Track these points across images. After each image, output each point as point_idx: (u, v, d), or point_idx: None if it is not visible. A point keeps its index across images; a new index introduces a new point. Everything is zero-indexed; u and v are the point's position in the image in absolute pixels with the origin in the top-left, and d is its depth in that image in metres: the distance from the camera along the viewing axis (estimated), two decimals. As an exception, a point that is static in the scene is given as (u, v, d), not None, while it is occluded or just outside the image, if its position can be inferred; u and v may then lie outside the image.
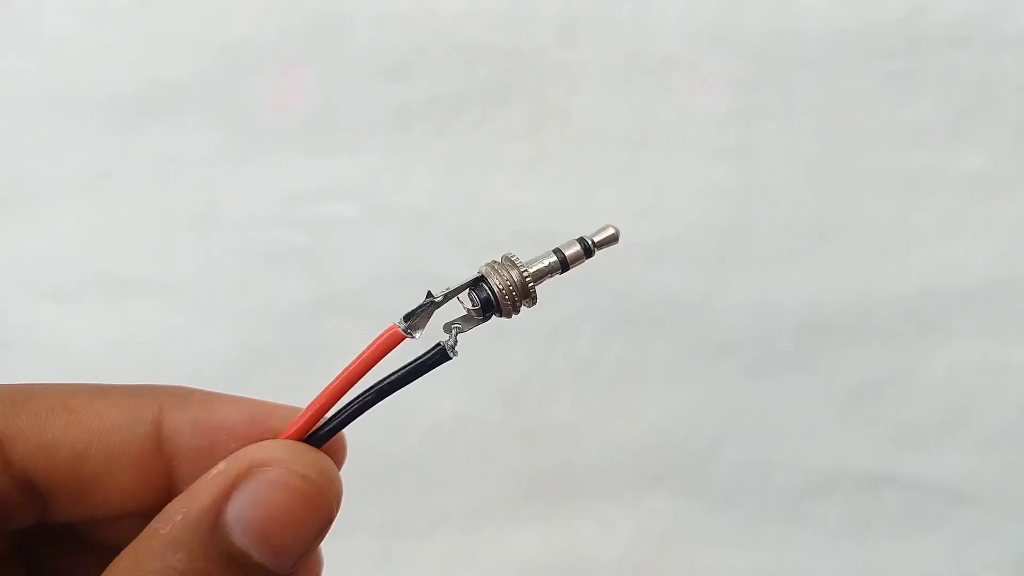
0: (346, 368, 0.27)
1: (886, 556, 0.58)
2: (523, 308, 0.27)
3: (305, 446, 0.26)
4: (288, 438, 0.26)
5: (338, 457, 0.28)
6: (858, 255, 0.57)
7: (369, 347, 0.27)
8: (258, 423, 0.27)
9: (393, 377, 0.27)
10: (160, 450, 0.27)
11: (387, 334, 0.27)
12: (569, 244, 0.27)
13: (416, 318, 0.27)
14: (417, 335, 0.27)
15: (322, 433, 0.27)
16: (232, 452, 0.26)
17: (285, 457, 0.25)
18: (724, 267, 0.57)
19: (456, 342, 0.27)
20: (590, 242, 0.27)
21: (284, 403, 0.28)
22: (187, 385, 0.29)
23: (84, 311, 0.58)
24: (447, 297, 0.27)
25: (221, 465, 0.25)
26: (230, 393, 0.28)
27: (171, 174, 0.58)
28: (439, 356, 0.27)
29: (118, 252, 0.58)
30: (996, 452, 0.57)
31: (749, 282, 0.57)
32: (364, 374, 0.27)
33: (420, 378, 0.27)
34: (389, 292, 0.58)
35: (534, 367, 0.57)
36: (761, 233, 0.57)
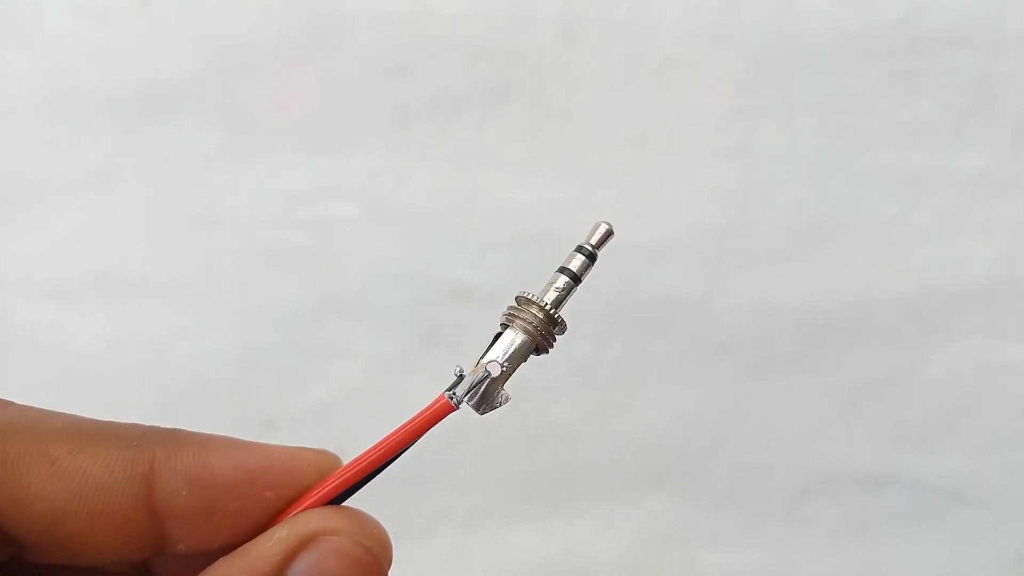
0: (392, 434, 0.26)
1: (886, 556, 0.58)
2: (559, 332, 0.27)
3: (366, 516, 0.26)
4: (322, 498, 0.26)
5: None
6: (858, 255, 0.57)
7: (418, 416, 0.26)
8: (258, 479, 0.26)
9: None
10: (150, 509, 0.25)
11: (437, 404, 0.26)
12: (571, 257, 0.27)
13: (474, 396, 0.26)
14: (473, 407, 0.26)
15: (342, 493, 0.26)
16: (231, 511, 0.25)
17: (349, 528, 0.25)
18: (724, 267, 0.57)
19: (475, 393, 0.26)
20: (589, 247, 0.27)
21: (277, 443, 0.27)
22: (182, 423, 0.27)
23: (84, 311, 0.58)
24: (502, 366, 0.26)
25: (282, 531, 0.25)
26: (221, 435, 0.26)
27: (171, 174, 0.58)
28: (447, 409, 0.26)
29: (118, 252, 0.58)
30: (996, 452, 0.57)
31: (749, 282, 0.57)
32: (410, 444, 0.26)
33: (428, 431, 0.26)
34: (389, 292, 0.58)
35: (534, 367, 0.57)
36: (761, 233, 0.57)
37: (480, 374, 0.26)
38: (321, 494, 0.26)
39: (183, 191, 0.58)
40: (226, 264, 0.58)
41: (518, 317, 0.26)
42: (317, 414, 0.58)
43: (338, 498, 0.26)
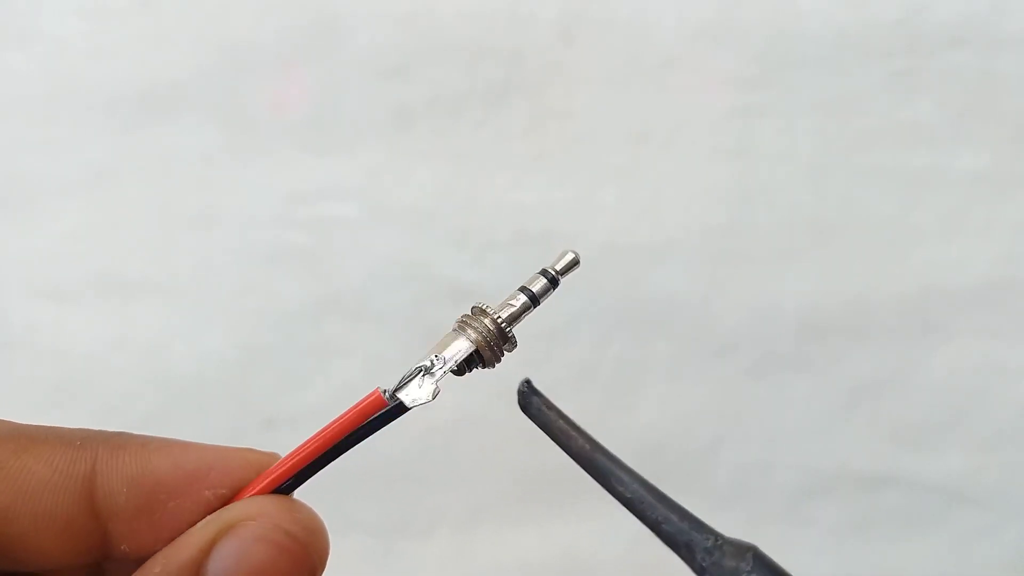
0: (325, 428, 0.26)
1: (886, 556, 0.58)
2: (505, 354, 0.27)
3: (293, 501, 0.26)
4: (260, 491, 0.26)
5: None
6: (858, 255, 0.57)
7: (351, 410, 0.26)
8: (198, 479, 0.26)
9: (352, 434, 0.26)
10: (92, 510, 0.25)
11: (370, 399, 0.26)
12: (533, 279, 0.27)
13: (405, 386, 0.26)
14: (405, 399, 0.26)
15: (284, 486, 0.26)
16: (169, 511, 0.25)
17: (270, 511, 0.25)
18: (724, 267, 0.57)
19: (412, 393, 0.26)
20: (553, 272, 0.27)
21: (217, 444, 0.27)
22: (127, 428, 0.27)
23: (84, 311, 0.58)
24: (444, 362, 0.26)
25: (208, 518, 0.25)
26: (164, 437, 0.27)
27: (171, 174, 0.58)
28: (396, 411, 0.26)
29: (118, 252, 0.58)
30: (996, 452, 0.57)
31: (749, 282, 0.57)
32: (343, 436, 0.26)
33: (376, 432, 0.26)
34: (389, 292, 0.58)
35: (534, 367, 0.57)
36: (761, 233, 0.57)
37: (413, 368, 0.26)
38: (257, 489, 0.26)
39: (183, 191, 0.58)
40: (226, 264, 0.58)
41: (469, 325, 0.26)
42: (317, 414, 0.58)
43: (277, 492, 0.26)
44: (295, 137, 0.58)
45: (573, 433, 0.25)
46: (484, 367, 0.27)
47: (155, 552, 0.25)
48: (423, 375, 0.26)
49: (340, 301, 0.58)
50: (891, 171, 0.57)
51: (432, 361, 0.26)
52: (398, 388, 0.26)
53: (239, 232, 0.58)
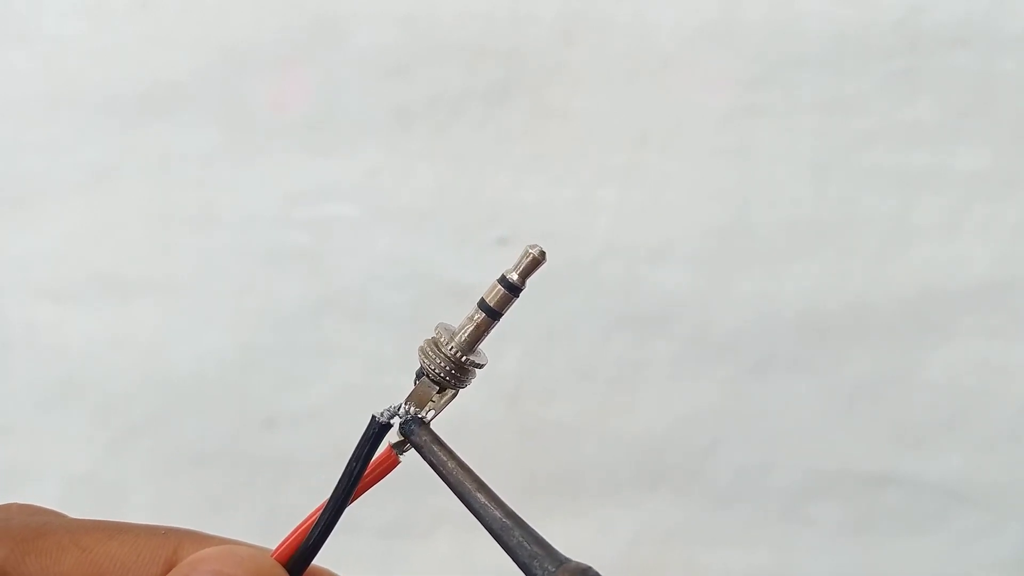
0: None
1: (886, 556, 0.58)
2: (474, 374, 0.26)
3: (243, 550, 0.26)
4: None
5: None
6: (858, 255, 0.57)
7: (370, 471, 0.26)
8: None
9: (347, 483, 0.26)
10: None
11: (385, 459, 0.26)
12: (491, 289, 0.25)
13: (406, 447, 0.26)
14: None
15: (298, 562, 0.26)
16: None
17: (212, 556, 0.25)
18: (724, 267, 0.57)
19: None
20: (511, 279, 0.25)
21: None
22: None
23: (84, 311, 0.58)
24: (406, 412, 0.26)
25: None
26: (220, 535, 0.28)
27: (171, 174, 0.58)
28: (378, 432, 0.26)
29: (118, 252, 0.58)
30: (996, 452, 0.57)
31: (749, 282, 0.57)
32: (361, 494, 0.26)
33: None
34: (389, 292, 0.58)
35: (534, 367, 0.57)
36: (761, 233, 0.57)
37: (400, 423, 0.26)
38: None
39: (183, 191, 0.58)
40: (226, 264, 0.58)
41: (430, 367, 0.26)
42: (317, 414, 0.58)
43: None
44: (295, 137, 0.58)
45: (447, 460, 0.25)
46: (456, 392, 0.26)
47: None
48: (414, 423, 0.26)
49: (340, 301, 0.58)
50: (891, 171, 0.57)
51: (408, 412, 0.26)
52: (403, 451, 0.26)
53: (239, 232, 0.58)
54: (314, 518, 0.26)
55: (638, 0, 0.56)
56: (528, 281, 0.25)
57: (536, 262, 0.25)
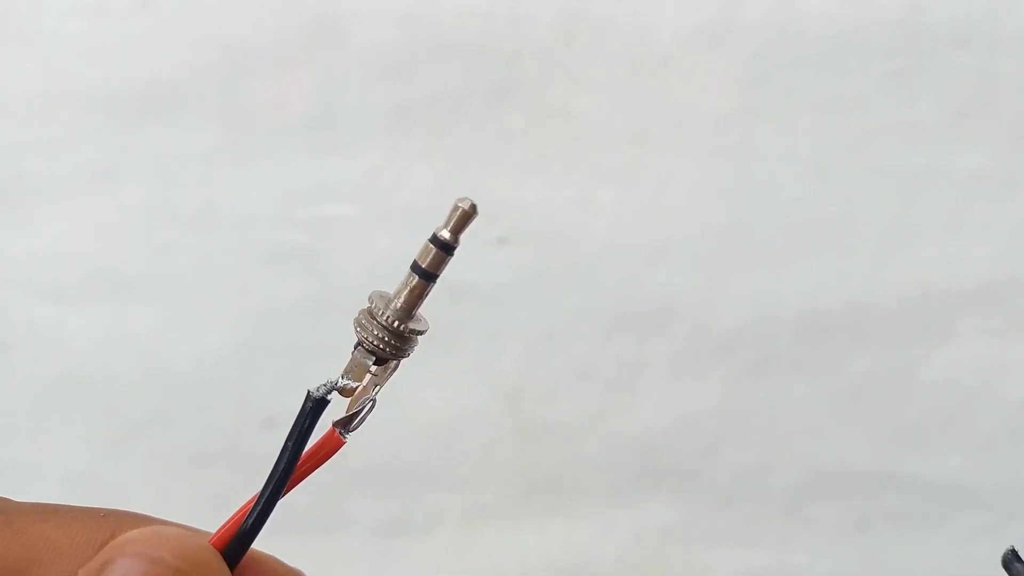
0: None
1: (886, 556, 0.58)
2: (415, 342, 0.25)
3: (181, 533, 0.25)
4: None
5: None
6: (858, 255, 0.57)
7: (310, 452, 0.25)
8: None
9: (285, 463, 0.25)
10: None
11: (329, 440, 0.25)
12: (424, 250, 0.24)
13: (356, 425, 0.25)
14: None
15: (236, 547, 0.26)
16: None
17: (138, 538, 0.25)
18: (724, 267, 0.57)
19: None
20: (443, 236, 0.24)
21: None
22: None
23: (84, 311, 0.58)
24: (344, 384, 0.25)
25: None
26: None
27: (171, 173, 0.58)
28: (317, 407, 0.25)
29: (118, 252, 0.58)
30: (996, 452, 0.57)
31: (749, 282, 0.57)
32: (304, 477, 0.25)
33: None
34: (389, 292, 0.57)
35: (534, 367, 0.57)
36: (761, 233, 0.57)
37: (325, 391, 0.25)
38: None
39: (183, 191, 0.58)
40: (226, 264, 0.58)
41: (366, 339, 0.25)
42: (317, 414, 0.58)
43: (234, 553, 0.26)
44: (295, 137, 0.58)
45: None
46: (399, 361, 0.25)
47: None
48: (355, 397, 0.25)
49: (340, 301, 0.58)
50: (891, 171, 0.57)
51: (344, 383, 0.25)
52: (351, 428, 0.25)
53: (239, 232, 0.58)
54: (253, 501, 0.25)
55: (638, 0, 0.57)
56: (461, 237, 0.24)
57: (467, 215, 0.24)
